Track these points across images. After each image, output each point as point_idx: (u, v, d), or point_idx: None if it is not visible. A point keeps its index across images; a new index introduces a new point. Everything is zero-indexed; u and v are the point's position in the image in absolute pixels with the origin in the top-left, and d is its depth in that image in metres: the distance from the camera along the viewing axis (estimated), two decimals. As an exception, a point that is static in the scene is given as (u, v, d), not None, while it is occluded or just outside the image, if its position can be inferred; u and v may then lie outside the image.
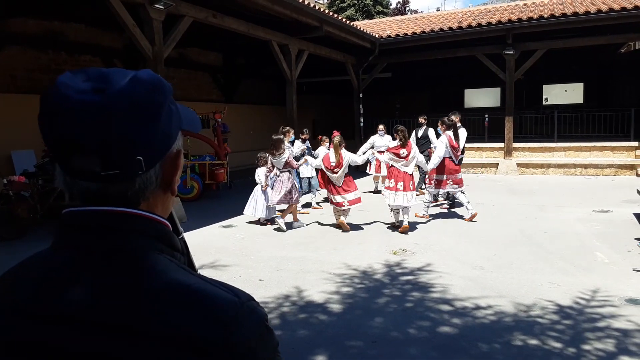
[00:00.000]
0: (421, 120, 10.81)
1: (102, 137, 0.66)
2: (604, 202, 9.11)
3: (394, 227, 7.47)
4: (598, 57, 17.38)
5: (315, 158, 8.24)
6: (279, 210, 8.12)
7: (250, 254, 6.31)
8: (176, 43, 8.40)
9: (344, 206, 7.25)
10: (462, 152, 9.20)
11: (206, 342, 0.63)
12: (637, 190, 8.08)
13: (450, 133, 8.06)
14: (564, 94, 15.73)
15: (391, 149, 7.37)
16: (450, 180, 7.95)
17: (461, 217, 8.18)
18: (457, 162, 8.12)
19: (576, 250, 6.08)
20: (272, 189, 7.75)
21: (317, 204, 9.61)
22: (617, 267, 5.39)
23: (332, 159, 7.21)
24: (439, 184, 8.02)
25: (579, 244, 6.40)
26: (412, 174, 7.33)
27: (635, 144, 13.31)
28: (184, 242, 0.89)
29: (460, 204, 8.39)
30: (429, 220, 7.98)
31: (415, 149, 7.41)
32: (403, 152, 7.19)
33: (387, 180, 7.41)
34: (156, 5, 7.55)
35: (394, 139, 7.67)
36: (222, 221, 8.25)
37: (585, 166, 13.34)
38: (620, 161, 13.14)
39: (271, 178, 7.88)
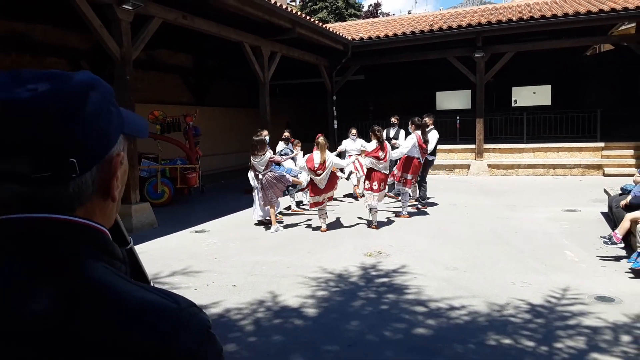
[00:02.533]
0: (394, 120, 10.89)
1: (32, 137, 0.63)
2: (572, 201, 9.31)
3: (369, 226, 7.64)
4: (565, 60, 17.83)
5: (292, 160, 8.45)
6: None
7: (224, 259, 6.21)
8: (145, 44, 8.23)
9: (324, 202, 7.40)
10: (434, 154, 9.30)
11: (143, 350, 0.62)
12: (604, 190, 8.29)
13: (419, 132, 8.21)
14: (532, 95, 16.02)
15: (370, 154, 7.46)
16: (413, 179, 8.18)
17: (432, 216, 8.27)
18: (422, 161, 8.36)
19: (546, 249, 6.19)
20: (260, 192, 7.72)
21: (298, 206, 9.61)
22: (586, 265, 5.50)
23: (317, 160, 7.16)
24: (405, 182, 8.19)
25: (549, 242, 6.52)
26: (386, 174, 7.60)
27: (602, 144, 13.67)
28: (132, 252, 0.89)
29: (426, 203, 8.87)
30: (390, 219, 8.03)
31: (389, 148, 7.62)
32: (381, 154, 7.29)
33: (366, 182, 7.52)
34: (124, 6, 7.38)
35: (369, 139, 7.78)
36: (195, 226, 8.11)
37: (554, 166, 13.63)
38: (587, 161, 13.48)
39: (256, 184, 7.83)
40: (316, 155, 7.21)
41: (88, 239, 0.70)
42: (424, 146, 8.25)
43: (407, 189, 8.32)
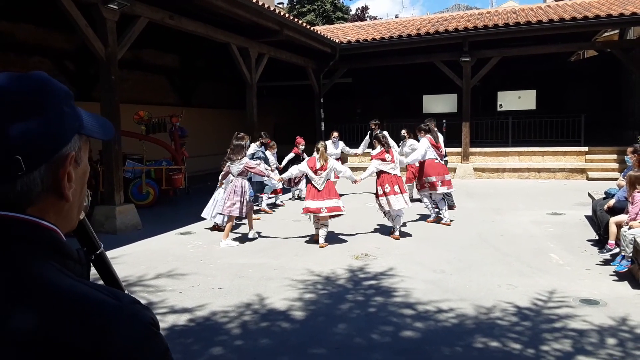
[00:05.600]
0: (372, 125, 10.91)
1: None
2: (557, 205, 9.41)
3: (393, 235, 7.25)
4: (550, 65, 18.05)
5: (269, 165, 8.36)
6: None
7: (210, 261, 6.15)
8: (131, 44, 8.13)
9: (321, 212, 6.89)
10: (445, 155, 9.31)
11: (80, 347, 0.62)
12: (588, 194, 8.39)
13: (429, 135, 8.20)
14: (517, 100, 16.17)
15: (376, 156, 7.31)
16: (439, 181, 7.98)
17: (422, 219, 8.28)
18: (442, 162, 8.25)
19: (532, 252, 6.23)
20: (224, 195, 7.37)
21: (269, 206, 9.55)
22: (571, 268, 5.55)
23: (318, 163, 7.05)
24: (432, 186, 8.02)
25: (534, 245, 6.56)
26: (397, 175, 7.24)
27: (585, 148, 13.85)
28: (102, 257, 0.93)
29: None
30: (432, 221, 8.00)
31: (396, 152, 7.51)
32: (388, 156, 7.21)
33: (379, 188, 7.18)
34: (110, 5, 7.29)
35: (373, 147, 7.62)
36: (180, 228, 8.03)
37: (539, 170, 13.77)
38: (571, 165, 13.64)
39: (227, 183, 7.58)
40: (317, 160, 7.09)
41: (37, 237, 0.70)
42: (439, 145, 8.24)
43: (436, 191, 8.02)
